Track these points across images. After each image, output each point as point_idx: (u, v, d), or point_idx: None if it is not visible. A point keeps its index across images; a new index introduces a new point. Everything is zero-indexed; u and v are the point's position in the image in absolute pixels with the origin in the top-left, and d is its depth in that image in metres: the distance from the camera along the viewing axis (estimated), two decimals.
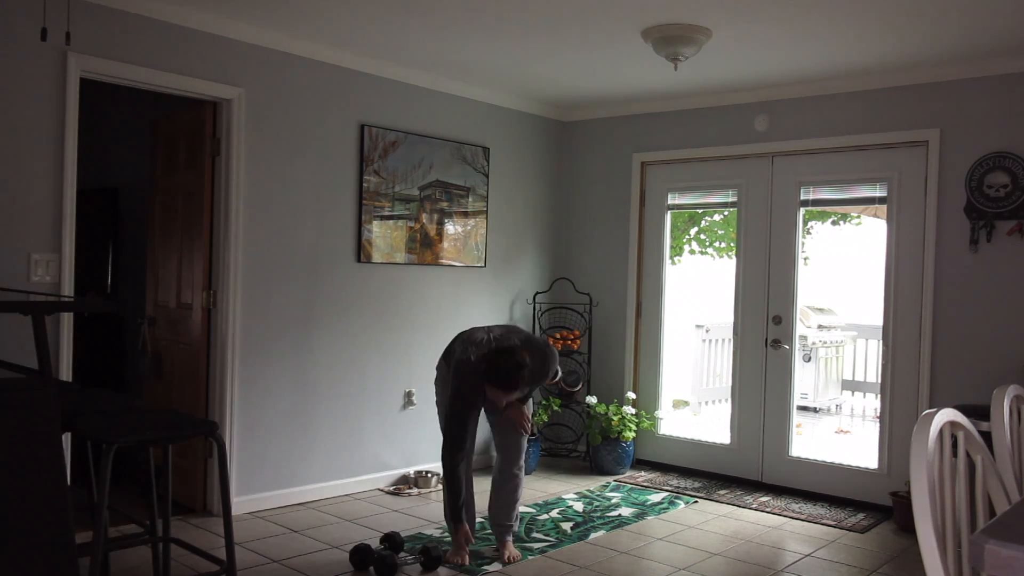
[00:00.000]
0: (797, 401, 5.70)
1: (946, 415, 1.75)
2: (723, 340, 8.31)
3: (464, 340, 4.02)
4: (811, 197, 5.48)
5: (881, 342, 5.24)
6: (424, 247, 5.51)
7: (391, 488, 5.26)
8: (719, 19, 4.12)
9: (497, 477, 4.23)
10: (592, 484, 5.57)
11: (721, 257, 9.53)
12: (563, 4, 3.99)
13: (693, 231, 9.68)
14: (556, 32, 4.43)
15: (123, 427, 2.75)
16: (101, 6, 3.98)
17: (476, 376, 3.83)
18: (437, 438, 5.63)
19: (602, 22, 4.24)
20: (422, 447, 5.55)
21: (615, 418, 5.82)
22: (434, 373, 5.57)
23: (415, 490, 5.26)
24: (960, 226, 4.78)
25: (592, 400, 5.97)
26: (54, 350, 3.83)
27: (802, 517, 4.92)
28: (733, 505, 5.14)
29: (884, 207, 5.20)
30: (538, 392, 6.18)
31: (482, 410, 4.12)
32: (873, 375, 8.31)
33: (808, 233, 8.89)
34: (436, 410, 4.26)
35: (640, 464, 6.10)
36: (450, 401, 3.94)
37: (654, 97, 5.89)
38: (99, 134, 5.93)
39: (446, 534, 4.40)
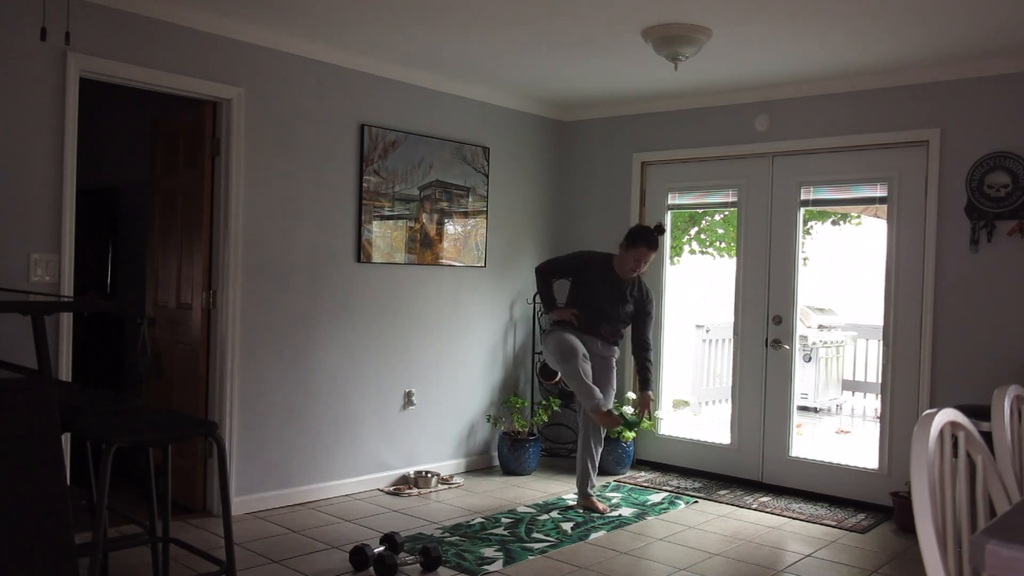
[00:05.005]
0: (797, 401, 5.70)
1: (946, 415, 1.75)
2: (723, 340, 8.31)
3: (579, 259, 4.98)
4: (811, 197, 5.48)
5: (881, 342, 5.23)
6: (424, 247, 5.51)
7: (391, 488, 5.25)
8: (719, 19, 4.12)
9: (583, 452, 4.94)
10: None
11: (721, 257, 9.54)
12: (563, 4, 3.99)
13: (693, 231, 9.69)
14: (556, 32, 4.43)
15: (123, 427, 2.75)
16: (101, 6, 3.98)
17: (602, 260, 4.87)
18: (437, 438, 5.65)
19: (602, 22, 4.24)
20: (422, 447, 5.55)
21: None
22: (434, 373, 5.60)
23: (415, 490, 5.25)
24: (960, 226, 4.78)
25: None
26: (54, 350, 3.83)
27: (802, 517, 4.92)
28: (733, 505, 5.14)
29: (884, 207, 5.20)
30: (539, 392, 6.18)
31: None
32: (873, 375, 8.31)
33: (808, 233, 8.89)
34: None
35: (640, 464, 6.10)
36: (562, 258, 5.07)
37: (654, 97, 5.89)
38: (99, 134, 5.93)
39: (447, 534, 4.40)
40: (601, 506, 4.92)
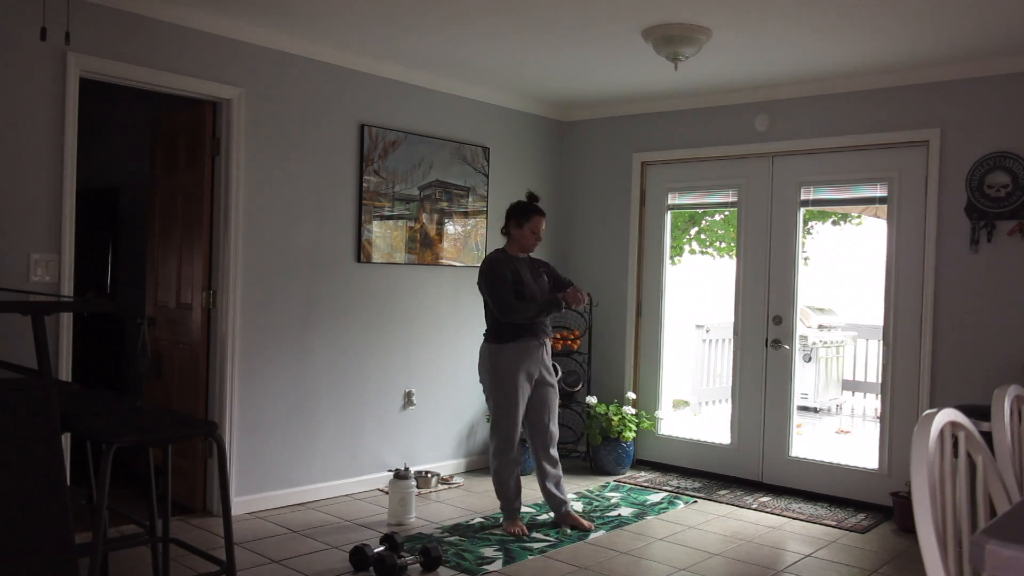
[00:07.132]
0: (797, 401, 5.70)
1: (947, 415, 1.75)
2: (723, 340, 8.31)
3: (490, 266, 4.49)
4: (811, 197, 5.48)
5: (881, 342, 5.23)
6: (424, 247, 5.51)
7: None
8: (719, 19, 4.12)
9: (543, 464, 4.61)
10: (592, 484, 5.56)
11: (721, 257, 9.54)
12: (563, 4, 3.99)
13: (693, 231, 9.69)
14: (556, 32, 4.43)
15: (123, 427, 2.75)
16: (101, 6, 3.98)
17: (504, 256, 4.51)
18: (437, 438, 5.65)
19: (602, 22, 4.24)
20: (422, 447, 5.55)
21: (615, 418, 5.82)
22: (434, 373, 5.59)
23: (415, 490, 5.24)
24: (960, 226, 4.78)
25: (592, 400, 5.97)
26: (54, 350, 3.83)
27: (802, 517, 4.91)
28: (733, 505, 5.14)
29: (884, 207, 5.20)
30: None
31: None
32: (873, 375, 8.31)
33: (808, 233, 8.89)
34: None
35: (640, 464, 6.10)
36: (499, 285, 4.39)
37: (654, 97, 5.89)
38: (99, 134, 5.93)
39: (446, 534, 4.40)
40: (586, 523, 4.59)
